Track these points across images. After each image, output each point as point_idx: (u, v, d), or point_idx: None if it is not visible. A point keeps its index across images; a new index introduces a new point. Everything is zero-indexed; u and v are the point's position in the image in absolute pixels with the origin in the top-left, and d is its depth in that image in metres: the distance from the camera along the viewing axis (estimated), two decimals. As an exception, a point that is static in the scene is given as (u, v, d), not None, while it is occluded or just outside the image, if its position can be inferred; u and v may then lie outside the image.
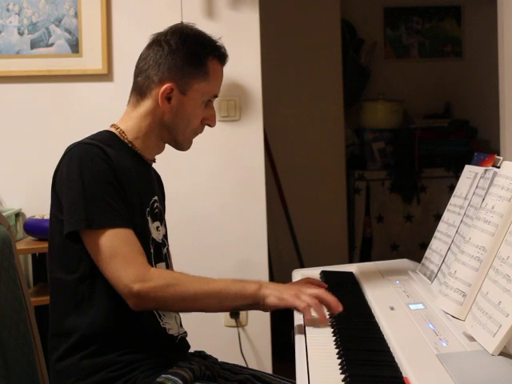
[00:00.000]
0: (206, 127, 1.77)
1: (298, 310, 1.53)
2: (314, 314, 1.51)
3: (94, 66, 2.84)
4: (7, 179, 2.85)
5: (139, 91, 1.71)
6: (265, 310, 1.57)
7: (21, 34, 2.83)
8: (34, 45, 2.83)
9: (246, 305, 1.59)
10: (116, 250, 1.53)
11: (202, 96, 1.70)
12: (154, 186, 1.78)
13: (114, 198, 1.57)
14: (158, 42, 1.71)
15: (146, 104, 1.70)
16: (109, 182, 1.57)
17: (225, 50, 1.75)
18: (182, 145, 1.75)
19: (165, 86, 1.67)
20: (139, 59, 1.73)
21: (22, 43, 2.83)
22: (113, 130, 1.72)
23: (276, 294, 1.54)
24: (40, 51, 2.84)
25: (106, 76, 2.84)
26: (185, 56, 1.68)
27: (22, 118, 2.87)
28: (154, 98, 1.69)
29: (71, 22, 2.83)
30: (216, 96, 1.75)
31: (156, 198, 1.74)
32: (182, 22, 1.80)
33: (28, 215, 2.80)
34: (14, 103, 2.88)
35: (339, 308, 1.52)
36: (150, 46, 1.72)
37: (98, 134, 1.71)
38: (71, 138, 1.70)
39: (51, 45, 2.84)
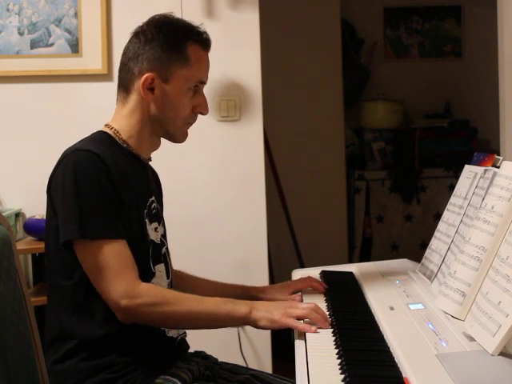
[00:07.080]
0: (201, 117, 1.72)
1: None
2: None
3: (93, 66, 2.84)
4: (7, 179, 2.85)
5: (124, 87, 1.70)
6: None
7: (21, 34, 2.83)
8: (33, 45, 2.83)
9: (236, 325, 1.58)
10: (106, 263, 1.52)
11: (186, 83, 1.67)
12: (151, 186, 1.77)
13: (108, 209, 1.55)
14: (135, 34, 1.70)
15: (132, 99, 1.68)
16: (104, 191, 1.55)
17: (207, 35, 1.71)
18: (175, 137, 1.72)
19: (145, 76, 1.64)
20: (122, 54, 1.72)
21: (22, 43, 2.83)
22: (107, 130, 1.70)
23: (267, 316, 1.51)
24: (40, 51, 2.84)
25: (106, 76, 2.84)
26: (161, 44, 1.65)
27: (22, 117, 2.87)
28: (137, 92, 1.67)
29: (71, 22, 2.83)
30: (203, 82, 1.71)
31: (153, 198, 1.72)
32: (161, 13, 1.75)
33: (28, 215, 2.80)
34: (14, 103, 2.87)
35: (326, 325, 1.49)
36: (130, 40, 1.71)
37: (93, 135, 1.69)
38: (71, 138, 1.70)
39: (51, 45, 2.83)
